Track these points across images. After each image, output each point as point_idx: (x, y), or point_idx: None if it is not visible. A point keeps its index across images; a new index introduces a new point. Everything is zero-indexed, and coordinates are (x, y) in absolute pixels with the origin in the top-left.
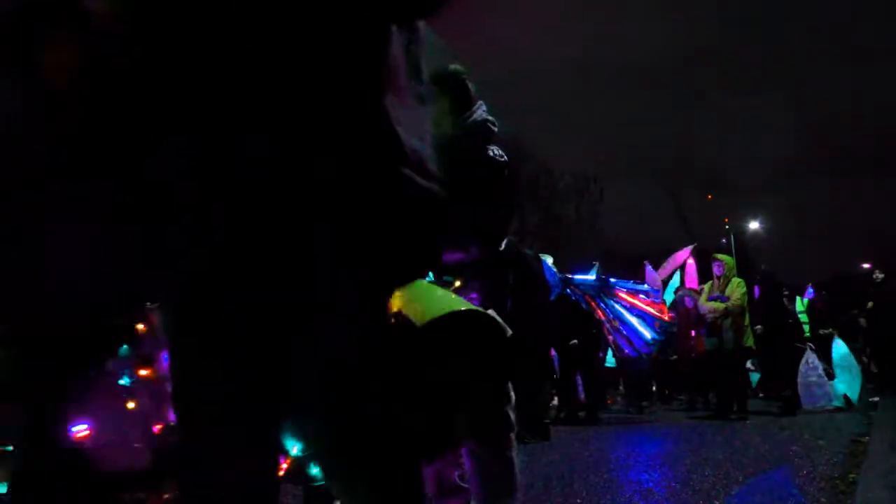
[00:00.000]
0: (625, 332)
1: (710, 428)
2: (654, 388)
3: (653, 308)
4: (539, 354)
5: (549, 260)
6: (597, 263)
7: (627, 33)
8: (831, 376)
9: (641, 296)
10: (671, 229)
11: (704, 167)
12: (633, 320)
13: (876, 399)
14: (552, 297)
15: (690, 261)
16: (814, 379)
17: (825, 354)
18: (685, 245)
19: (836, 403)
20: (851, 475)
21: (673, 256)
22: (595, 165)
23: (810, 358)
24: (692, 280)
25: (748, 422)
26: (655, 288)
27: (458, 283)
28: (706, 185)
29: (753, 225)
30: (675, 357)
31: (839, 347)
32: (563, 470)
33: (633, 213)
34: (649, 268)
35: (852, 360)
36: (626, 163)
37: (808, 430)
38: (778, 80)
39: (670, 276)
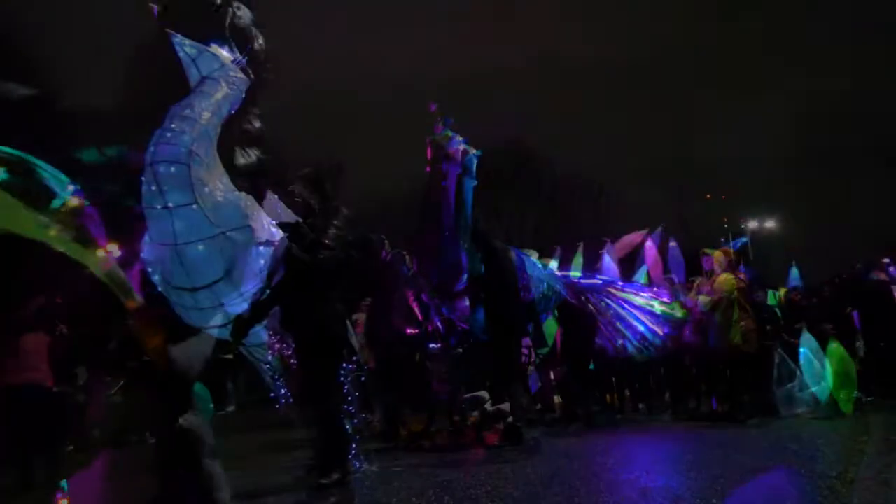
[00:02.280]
0: (628, 333)
1: (708, 429)
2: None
3: (659, 305)
4: (505, 353)
5: (534, 255)
6: (558, 247)
7: (625, 33)
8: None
9: (647, 294)
10: (672, 230)
11: (704, 167)
12: (637, 321)
13: (866, 398)
14: (532, 294)
15: (649, 243)
16: (785, 387)
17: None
18: (694, 249)
19: (802, 409)
20: (850, 475)
21: (630, 238)
22: (599, 167)
23: (781, 362)
24: (657, 268)
25: (748, 423)
26: (615, 276)
27: None
28: (706, 184)
29: (752, 224)
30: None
31: (808, 342)
32: (562, 471)
33: (633, 214)
34: (607, 257)
35: (819, 356)
36: (627, 163)
37: (806, 430)
38: (778, 80)
39: (630, 261)
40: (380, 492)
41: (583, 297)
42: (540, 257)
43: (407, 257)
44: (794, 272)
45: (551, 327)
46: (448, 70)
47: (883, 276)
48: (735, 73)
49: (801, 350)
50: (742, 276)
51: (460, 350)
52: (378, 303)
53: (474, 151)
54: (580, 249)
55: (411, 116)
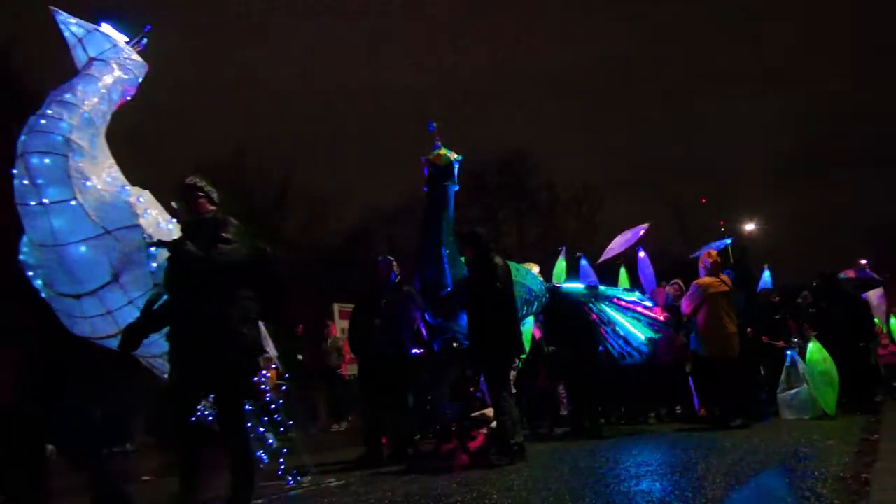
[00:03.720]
0: (622, 333)
1: (691, 432)
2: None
3: (645, 309)
4: (497, 368)
5: (536, 269)
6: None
7: (621, 35)
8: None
9: (632, 298)
10: (670, 235)
11: (700, 169)
12: (627, 323)
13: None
14: (534, 309)
15: (642, 255)
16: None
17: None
18: (684, 252)
19: (785, 412)
20: (864, 475)
21: (623, 235)
22: (592, 175)
23: (766, 365)
24: (649, 280)
25: (731, 425)
26: (593, 281)
27: None
28: (701, 187)
29: (749, 226)
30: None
31: (802, 345)
32: (548, 476)
33: (630, 222)
34: (584, 263)
35: (805, 366)
36: (618, 168)
37: (817, 431)
38: (775, 81)
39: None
40: (363, 499)
41: (566, 304)
42: (524, 262)
43: (395, 264)
44: (767, 275)
45: (528, 332)
46: (435, 77)
47: (851, 276)
48: (732, 73)
49: (788, 353)
50: (726, 279)
51: (444, 357)
52: (362, 310)
53: (456, 156)
54: (562, 254)
55: (398, 126)
